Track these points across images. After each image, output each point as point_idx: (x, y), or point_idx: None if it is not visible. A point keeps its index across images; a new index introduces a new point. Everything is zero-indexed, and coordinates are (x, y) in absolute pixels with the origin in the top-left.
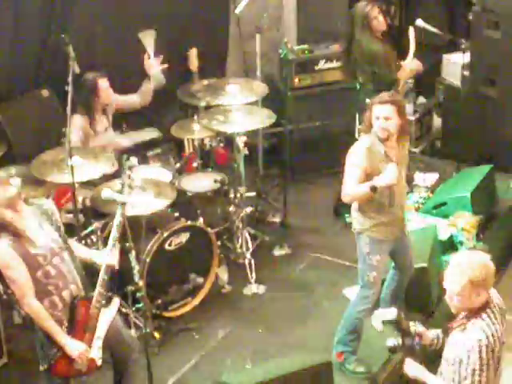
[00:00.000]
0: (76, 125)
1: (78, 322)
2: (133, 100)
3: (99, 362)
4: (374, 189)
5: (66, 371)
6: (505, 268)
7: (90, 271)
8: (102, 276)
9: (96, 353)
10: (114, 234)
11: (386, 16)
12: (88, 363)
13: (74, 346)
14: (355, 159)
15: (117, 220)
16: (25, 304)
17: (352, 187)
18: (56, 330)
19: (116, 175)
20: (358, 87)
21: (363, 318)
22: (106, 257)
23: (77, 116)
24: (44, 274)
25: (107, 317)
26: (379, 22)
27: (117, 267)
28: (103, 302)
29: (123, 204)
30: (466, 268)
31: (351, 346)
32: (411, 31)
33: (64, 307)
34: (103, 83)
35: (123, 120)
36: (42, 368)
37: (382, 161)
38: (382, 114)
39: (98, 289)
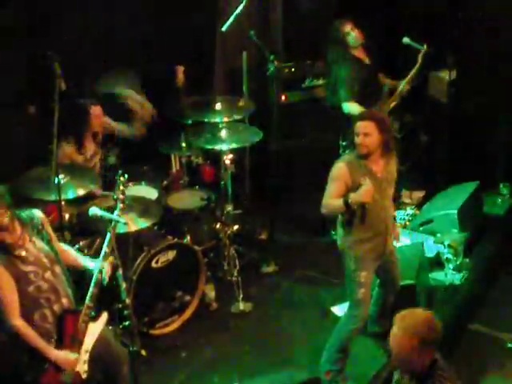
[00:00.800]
0: (62, 154)
1: (65, 335)
2: (126, 131)
3: (84, 376)
4: (347, 204)
5: (51, 382)
6: (492, 284)
7: (79, 284)
8: (92, 290)
9: (82, 366)
10: (105, 249)
11: (361, 30)
12: (74, 377)
13: (63, 358)
14: (335, 173)
15: (108, 236)
16: (11, 324)
17: (328, 200)
18: (44, 346)
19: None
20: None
21: (352, 338)
22: (97, 271)
23: (63, 145)
24: (36, 289)
25: (95, 331)
26: (353, 37)
27: (106, 281)
28: (92, 315)
29: (115, 222)
30: (414, 328)
31: (339, 365)
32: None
33: (54, 320)
34: (95, 111)
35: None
36: (26, 379)
37: (366, 175)
38: (361, 130)
39: (87, 302)
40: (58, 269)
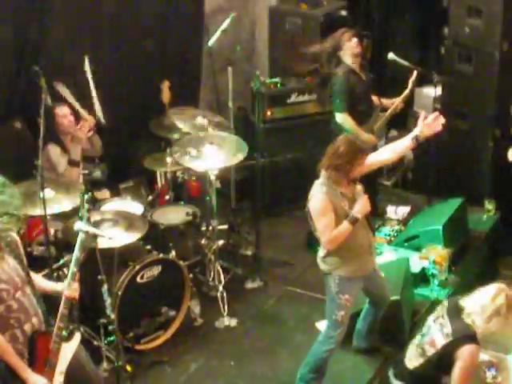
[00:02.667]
0: (53, 153)
1: (38, 357)
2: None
3: None
4: (354, 221)
5: None
6: None
7: (51, 304)
8: (62, 311)
9: None
10: (73, 268)
11: (362, 41)
12: None
13: (35, 381)
14: (322, 207)
15: (76, 252)
16: None
17: (330, 234)
18: (19, 365)
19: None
20: (332, 118)
21: (327, 358)
22: (66, 289)
23: (51, 145)
24: (6, 309)
25: (68, 351)
26: (353, 45)
27: (77, 298)
28: (64, 336)
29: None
30: None
31: None
32: (414, 75)
33: (25, 340)
34: (60, 111)
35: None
36: None
37: (342, 200)
38: (363, 161)
39: (58, 323)
40: (28, 289)
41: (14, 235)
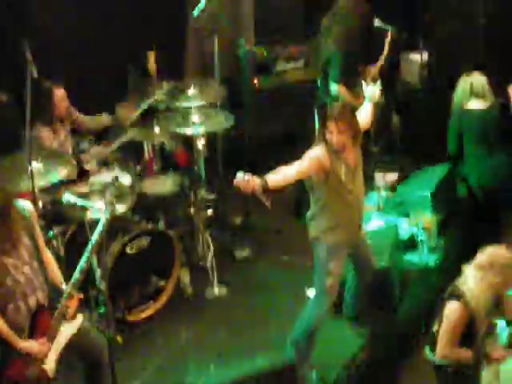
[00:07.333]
0: (43, 136)
1: (37, 331)
2: (88, 123)
3: (51, 375)
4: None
5: (17, 375)
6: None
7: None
8: (67, 290)
9: (50, 364)
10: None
11: None
12: (40, 373)
13: (27, 347)
14: (307, 155)
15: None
16: None
17: (281, 174)
18: (13, 339)
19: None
20: (319, 85)
21: (317, 325)
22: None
23: (41, 129)
24: (13, 281)
25: (67, 331)
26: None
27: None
28: (66, 315)
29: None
30: None
31: (303, 352)
32: (388, 35)
33: (28, 314)
34: (59, 93)
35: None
36: None
37: (340, 164)
38: (335, 130)
39: (63, 301)
40: (35, 264)
41: (31, 208)
